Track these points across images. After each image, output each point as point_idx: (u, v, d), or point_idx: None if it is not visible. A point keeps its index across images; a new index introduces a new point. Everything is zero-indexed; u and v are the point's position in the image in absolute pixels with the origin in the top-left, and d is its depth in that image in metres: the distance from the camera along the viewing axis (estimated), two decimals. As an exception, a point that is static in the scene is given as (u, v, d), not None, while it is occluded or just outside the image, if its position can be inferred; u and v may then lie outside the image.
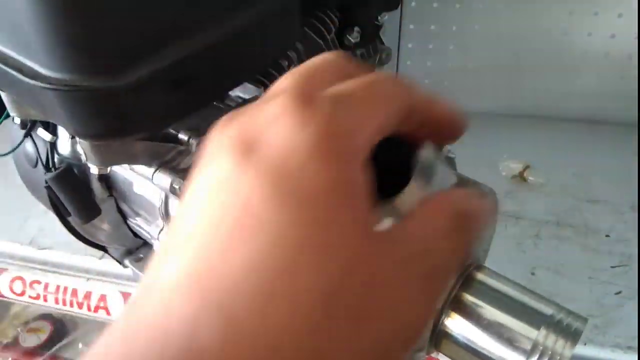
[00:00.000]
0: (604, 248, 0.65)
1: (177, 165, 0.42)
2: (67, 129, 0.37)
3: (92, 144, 0.36)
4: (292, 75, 0.20)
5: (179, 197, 0.41)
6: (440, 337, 0.30)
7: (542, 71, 0.86)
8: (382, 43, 0.66)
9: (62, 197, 0.47)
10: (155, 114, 0.34)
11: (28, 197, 0.53)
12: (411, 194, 0.22)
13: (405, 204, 0.22)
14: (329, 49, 0.57)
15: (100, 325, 0.80)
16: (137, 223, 0.51)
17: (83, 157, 0.39)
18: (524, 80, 0.87)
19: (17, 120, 0.45)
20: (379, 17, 0.62)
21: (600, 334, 0.54)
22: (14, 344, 0.91)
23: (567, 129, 0.86)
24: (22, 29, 0.28)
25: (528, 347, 0.29)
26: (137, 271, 0.56)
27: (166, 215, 0.43)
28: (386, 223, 0.21)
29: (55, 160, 0.47)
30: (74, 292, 0.65)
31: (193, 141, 0.42)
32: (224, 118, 0.20)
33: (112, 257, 0.58)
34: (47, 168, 0.47)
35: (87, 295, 0.64)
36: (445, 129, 0.23)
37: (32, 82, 0.29)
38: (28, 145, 0.48)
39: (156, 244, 0.45)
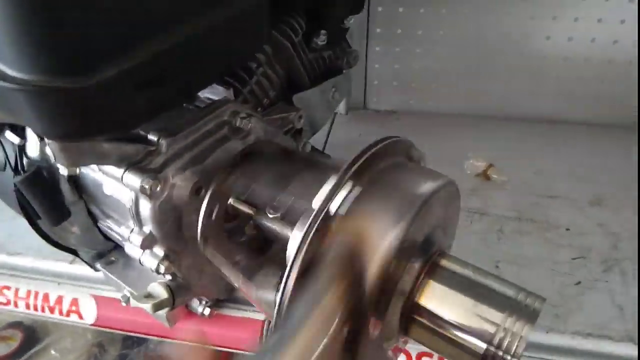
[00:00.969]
0: (564, 241, 0.68)
1: (147, 165, 0.42)
2: (34, 130, 0.38)
3: (60, 145, 0.36)
4: None
5: (149, 197, 0.41)
6: (409, 323, 0.32)
7: (505, 74, 0.89)
8: (349, 46, 0.68)
9: (31, 200, 0.46)
10: (123, 114, 0.34)
11: (-4, 202, 0.52)
12: None
13: None
14: (296, 51, 0.58)
15: (73, 331, 0.79)
16: (108, 225, 0.51)
17: (52, 158, 0.39)
18: (488, 82, 0.91)
19: (-16, 124, 0.45)
20: (345, 21, 0.64)
21: (561, 323, 0.57)
22: (-18, 353, 0.89)
23: (529, 129, 0.90)
24: (-12, 31, 0.28)
25: (492, 330, 0.31)
26: (108, 274, 0.55)
27: (137, 215, 0.44)
28: None
29: (25, 163, 0.47)
30: (46, 297, 0.64)
31: (163, 142, 0.42)
32: None
33: (83, 260, 0.58)
34: (16, 171, 0.46)
35: (59, 300, 0.64)
36: None
37: (-1, 83, 0.29)
38: (-4, 149, 0.47)
39: (127, 246, 0.45)
